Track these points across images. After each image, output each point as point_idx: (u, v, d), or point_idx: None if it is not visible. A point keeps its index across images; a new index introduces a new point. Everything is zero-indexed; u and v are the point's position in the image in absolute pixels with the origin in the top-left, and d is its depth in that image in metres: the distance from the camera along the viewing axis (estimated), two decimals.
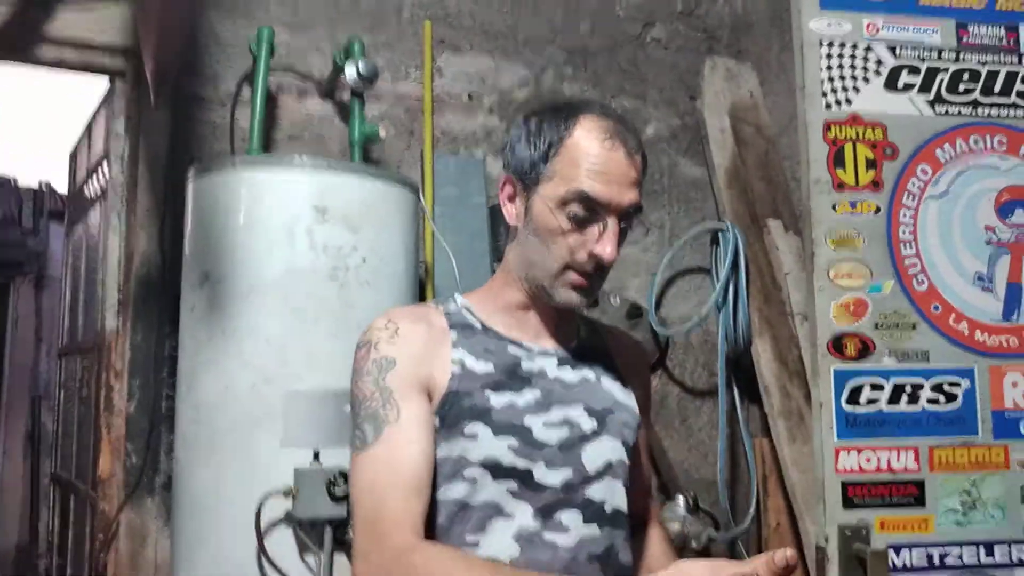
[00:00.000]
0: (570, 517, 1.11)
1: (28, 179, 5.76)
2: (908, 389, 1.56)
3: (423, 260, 2.55)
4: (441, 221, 2.64)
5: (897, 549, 1.50)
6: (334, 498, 1.88)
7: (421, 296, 2.52)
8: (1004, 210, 1.66)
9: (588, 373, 1.22)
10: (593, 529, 1.12)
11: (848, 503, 1.51)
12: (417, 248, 2.30)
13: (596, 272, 1.14)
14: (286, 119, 2.66)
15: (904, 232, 1.61)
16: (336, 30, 2.72)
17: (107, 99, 2.72)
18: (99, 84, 2.74)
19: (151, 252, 2.46)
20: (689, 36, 3.21)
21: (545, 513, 1.10)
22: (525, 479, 1.10)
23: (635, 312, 2.92)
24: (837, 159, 1.61)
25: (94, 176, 2.88)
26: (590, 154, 1.11)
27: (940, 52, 1.67)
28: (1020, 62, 1.70)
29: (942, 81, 1.66)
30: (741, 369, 2.87)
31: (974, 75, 1.68)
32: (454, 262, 2.40)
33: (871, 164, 1.62)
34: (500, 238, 2.70)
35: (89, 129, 3.03)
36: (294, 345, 1.98)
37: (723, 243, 2.84)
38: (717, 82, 3.11)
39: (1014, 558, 1.54)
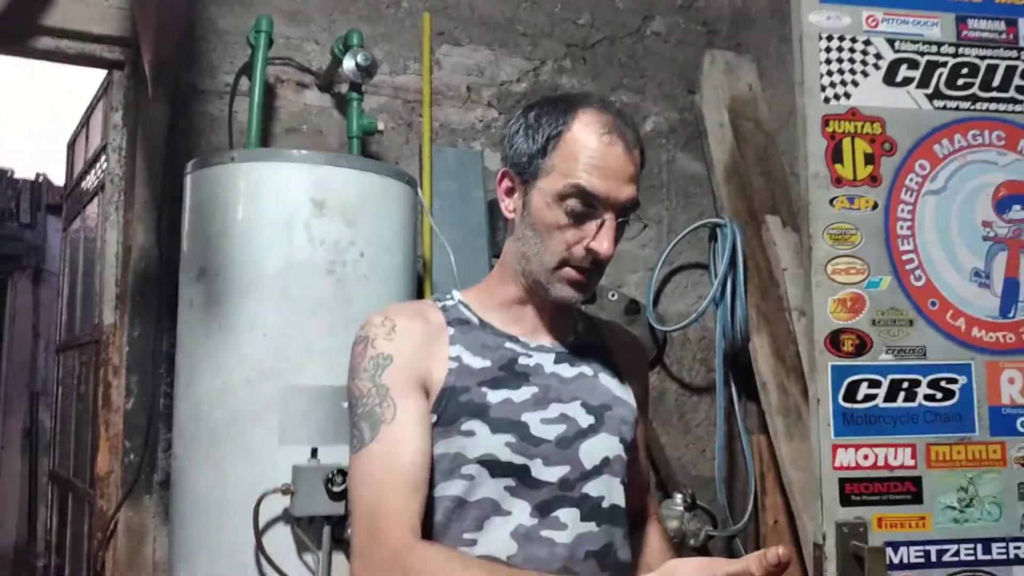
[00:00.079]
0: (568, 514, 1.10)
1: (25, 171, 5.74)
2: (905, 385, 1.56)
3: (421, 254, 2.55)
4: (439, 215, 2.64)
5: (895, 546, 1.50)
6: (332, 496, 1.88)
7: (419, 290, 2.52)
8: (1001, 206, 1.65)
9: (586, 369, 1.21)
10: (591, 526, 1.12)
11: (846, 500, 1.51)
12: (415, 242, 2.30)
13: (593, 267, 1.14)
14: (284, 111, 2.65)
15: (902, 228, 1.61)
16: (334, 21, 2.71)
17: (105, 90, 2.71)
18: (97, 75, 2.74)
19: (149, 246, 2.46)
20: (688, 29, 3.20)
21: (543, 510, 1.09)
22: (522, 476, 1.09)
23: (633, 308, 2.92)
24: (835, 154, 1.60)
25: (92, 168, 2.88)
26: (588, 148, 1.11)
27: (939, 46, 1.67)
28: (1019, 56, 1.69)
29: (941, 75, 1.66)
30: (739, 365, 2.87)
31: (973, 69, 1.67)
32: (452, 256, 2.39)
33: (869, 159, 1.61)
34: (498, 232, 2.69)
35: (87, 121, 3.02)
36: (292, 339, 1.98)
37: (721, 239, 2.84)
38: (716, 76, 3.10)
39: (1011, 555, 1.54)
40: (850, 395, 1.54)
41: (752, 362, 2.75)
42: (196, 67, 2.56)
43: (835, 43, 1.63)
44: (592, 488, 1.13)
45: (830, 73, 1.62)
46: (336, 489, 1.87)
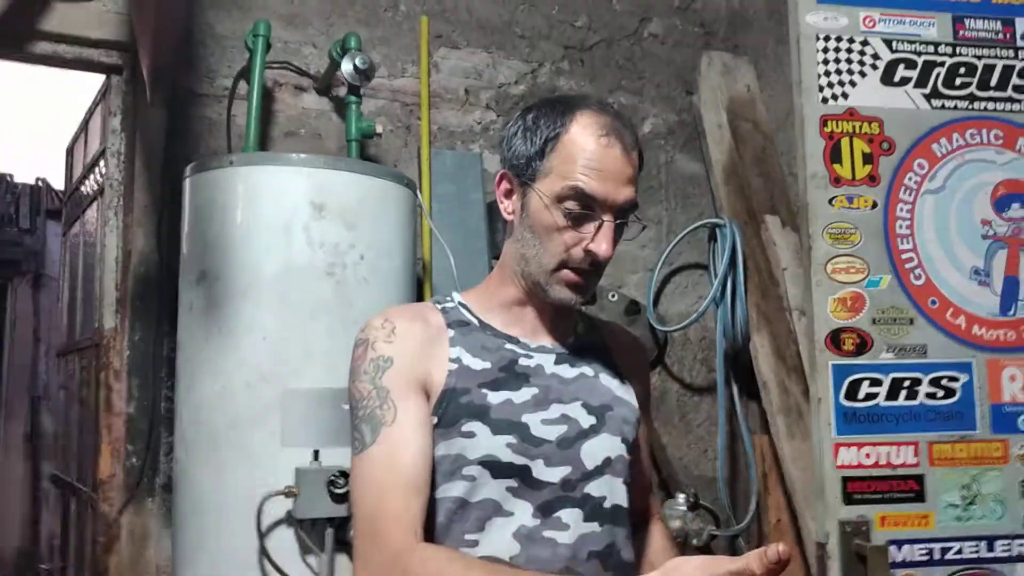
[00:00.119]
0: (570, 514, 1.10)
1: (25, 176, 5.74)
2: (906, 384, 1.56)
3: (420, 256, 2.55)
4: (439, 217, 2.64)
5: (898, 544, 1.51)
6: (335, 498, 1.88)
7: (419, 292, 2.52)
8: (1000, 204, 1.66)
9: (586, 369, 1.21)
10: (593, 526, 1.12)
11: (848, 499, 1.51)
12: (415, 245, 2.30)
13: (592, 269, 1.14)
14: (282, 115, 2.65)
15: (901, 227, 1.61)
16: (332, 25, 2.71)
17: (103, 95, 2.71)
18: (95, 80, 2.74)
19: (149, 250, 2.46)
20: (686, 31, 3.21)
21: (545, 511, 1.09)
22: (524, 476, 1.09)
23: (633, 309, 2.92)
24: (834, 154, 1.61)
25: (91, 173, 2.88)
26: (586, 150, 1.11)
27: (936, 46, 1.67)
28: (1016, 56, 1.70)
29: (938, 75, 1.66)
30: (740, 365, 2.87)
31: (970, 69, 1.68)
32: (452, 258, 2.39)
33: (868, 159, 1.62)
34: (498, 234, 2.69)
35: (86, 125, 3.02)
36: (292, 342, 1.98)
37: (721, 239, 2.84)
38: (714, 77, 3.10)
39: (1015, 552, 1.55)
40: (851, 394, 1.54)
41: (753, 362, 2.75)
42: (194, 71, 2.57)
43: (832, 44, 1.64)
44: (594, 488, 1.13)
45: (828, 73, 1.63)
46: (339, 491, 1.87)
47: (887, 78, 1.65)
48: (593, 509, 1.12)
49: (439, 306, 1.21)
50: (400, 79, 2.79)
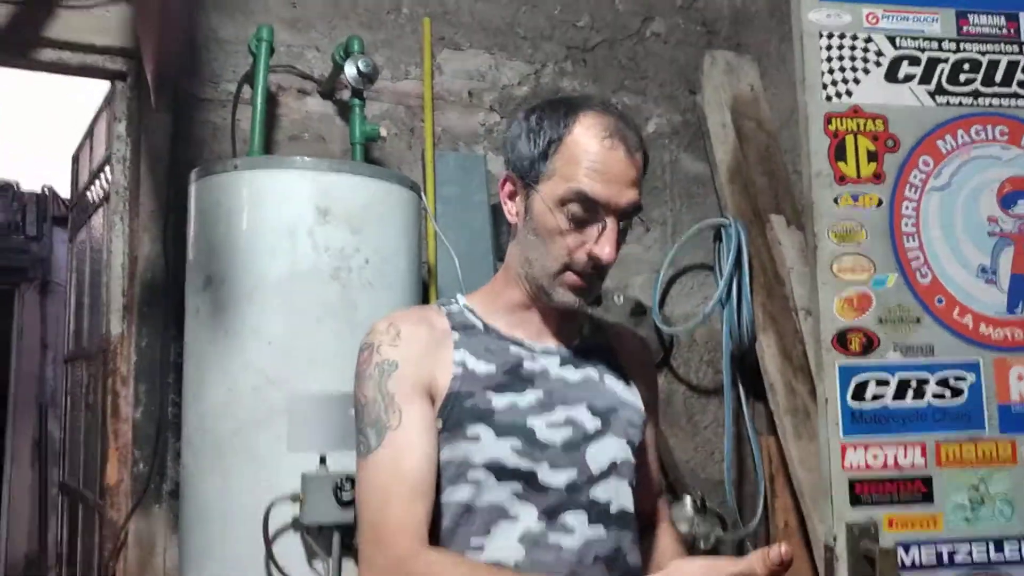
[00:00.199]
0: (575, 518, 1.10)
1: (31, 183, 5.75)
2: (913, 384, 1.55)
3: (425, 259, 2.55)
4: (443, 220, 2.63)
5: (906, 546, 1.50)
6: (341, 503, 1.88)
7: (424, 295, 2.52)
8: (1007, 201, 1.65)
9: (591, 372, 1.21)
10: (599, 530, 1.11)
11: (856, 500, 1.50)
12: (420, 248, 2.30)
13: (595, 272, 1.13)
14: (287, 119, 2.66)
15: (907, 225, 1.60)
16: (335, 28, 2.72)
17: (108, 101, 2.72)
18: (100, 87, 2.75)
19: (155, 255, 2.46)
20: (688, 30, 3.20)
21: (550, 514, 1.09)
22: (529, 480, 1.09)
23: (639, 310, 2.91)
24: (838, 152, 1.60)
25: (97, 180, 2.89)
26: (589, 152, 1.10)
27: (940, 42, 1.66)
28: (1021, 51, 1.69)
29: (943, 71, 1.66)
30: (746, 366, 2.86)
31: (975, 65, 1.67)
32: (456, 261, 2.39)
33: (872, 156, 1.61)
34: (502, 236, 2.69)
35: (91, 132, 3.03)
36: (297, 346, 1.98)
37: (726, 239, 2.83)
38: (717, 76, 3.09)
39: None
40: (858, 394, 1.53)
41: (759, 362, 2.74)
42: (198, 77, 2.57)
43: (836, 41, 1.63)
44: (600, 492, 1.13)
45: (831, 71, 1.62)
46: (345, 497, 1.87)
47: (891, 75, 1.64)
48: (599, 513, 1.12)
49: (444, 309, 1.21)
50: (403, 82, 2.79)
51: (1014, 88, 1.68)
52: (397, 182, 2.18)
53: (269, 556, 1.89)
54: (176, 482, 2.34)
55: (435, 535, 1.08)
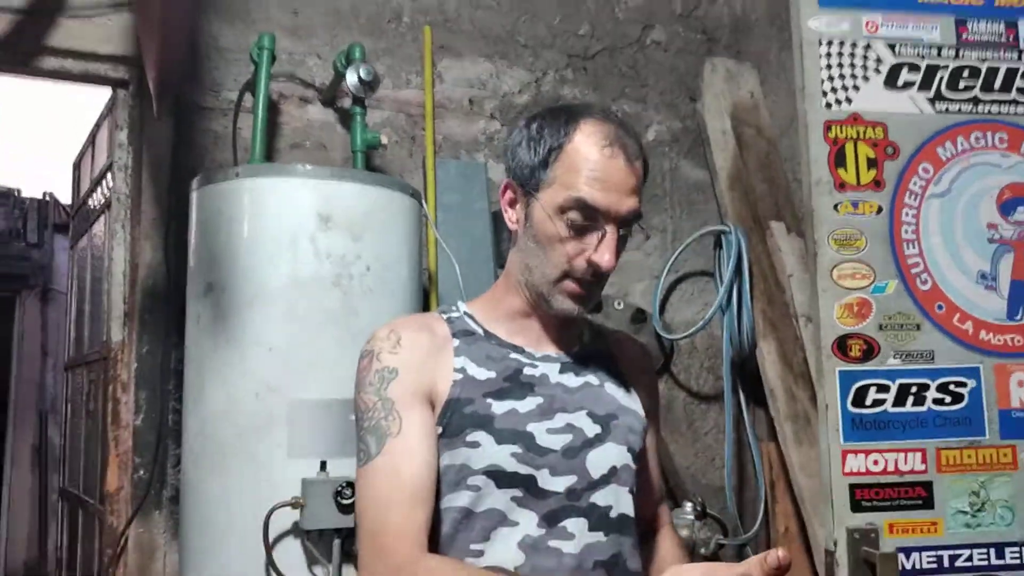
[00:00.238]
0: (575, 524, 1.10)
1: (32, 190, 5.77)
2: (914, 390, 1.55)
3: (426, 267, 2.55)
4: (444, 227, 2.64)
5: (907, 552, 1.50)
6: (342, 509, 1.88)
7: (425, 302, 2.52)
8: (1006, 207, 1.65)
9: (591, 378, 1.21)
10: (599, 536, 1.11)
11: (856, 506, 1.50)
12: (420, 255, 2.30)
13: (594, 280, 1.14)
14: (288, 127, 2.66)
15: (907, 231, 1.60)
16: (336, 36, 2.73)
17: (110, 109, 2.73)
18: (102, 94, 2.75)
19: (156, 262, 2.47)
20: (689, 38, 3.21)
21: (550, 520, 1.09)
22: (529, 486, 1.09)
23: (639, 317, 2.92)
24: (838, 159, 1.61)
25: (98, 187, 2.89)
26: (589, 160, 1.11)
27: (940, 49, 1.67)
28: (1020, 58, 1.69)
29: (942, 78, 1.66)
30: (746, 372, 2.86)
31: (974, 72, 1.67)
32: (457, 268, 2.39)
33: (872, 163, 1.61)
34: (503, 243, 2.69)
35: (92, 139, 3.04)
36: (298, 353, 1.98)
37: (726, 246, 2.83)
38: (717, 83, 3.10)
39: None
40: (859, 400, 1.54)
41: (760, 369, 2.74)
42: (199, 85, 2.58)
43: (835, 48, 1.64)
44: (600, 498, 1.13)
45: (831, 79, 1.63)
46: (345, 502, 1.87)
47: (890, 82, 1.65)
48: (599, 519, 1.12)
49: (445, 316, 1.21)
50: (404, 90, 2.80)
51: (1013, 95, 1.68)
52: (398, 189, 2.19)
53: (269, 562, 1.89)
54: (176, 488, 2.34)
55: (435, 541, 1.08)
